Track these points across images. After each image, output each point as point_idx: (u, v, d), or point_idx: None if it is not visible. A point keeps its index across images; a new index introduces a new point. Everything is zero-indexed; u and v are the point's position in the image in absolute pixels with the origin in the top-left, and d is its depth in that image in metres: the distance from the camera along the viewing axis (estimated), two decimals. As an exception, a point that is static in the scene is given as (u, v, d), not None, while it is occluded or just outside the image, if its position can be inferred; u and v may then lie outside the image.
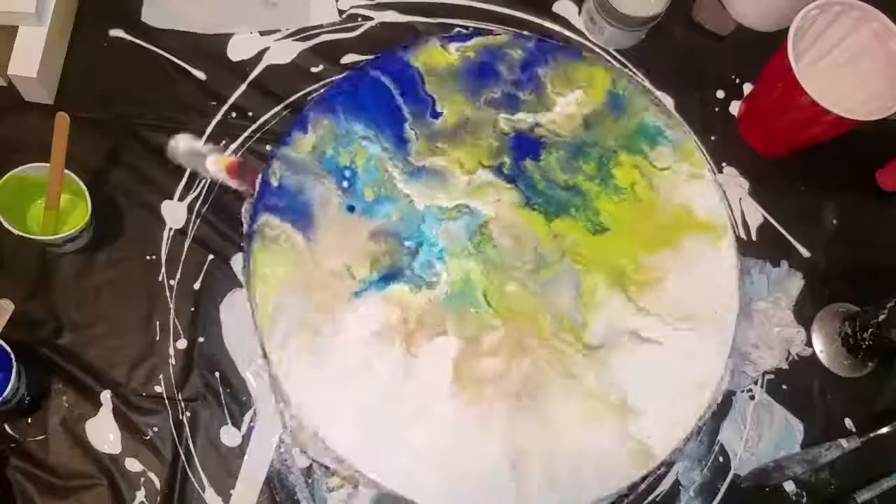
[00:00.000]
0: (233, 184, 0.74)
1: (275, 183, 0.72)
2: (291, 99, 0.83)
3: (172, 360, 0.75)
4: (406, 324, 0.70)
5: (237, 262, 0.77)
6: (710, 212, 0.76)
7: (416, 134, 0.75)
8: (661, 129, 0.78)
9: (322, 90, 0.81)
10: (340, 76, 0.81)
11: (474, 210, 0.74)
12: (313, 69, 0.84)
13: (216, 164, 0.72)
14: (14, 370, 0.66)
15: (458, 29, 0.85)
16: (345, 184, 0.73)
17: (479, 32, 0.81)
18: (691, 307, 0.73)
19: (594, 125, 0.77)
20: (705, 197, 0.76)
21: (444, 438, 0.68)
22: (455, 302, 0.71)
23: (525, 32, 0.82)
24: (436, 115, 0.76)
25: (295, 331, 0.69)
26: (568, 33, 0.89)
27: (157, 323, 0.76)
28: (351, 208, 0.72)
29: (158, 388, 0.74)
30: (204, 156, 0.72)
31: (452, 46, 0.78)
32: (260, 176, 0.74)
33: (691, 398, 0.71)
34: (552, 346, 0.71)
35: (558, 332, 0.71)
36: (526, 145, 0.76)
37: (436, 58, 0.78)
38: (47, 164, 0.70)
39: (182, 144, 0.71)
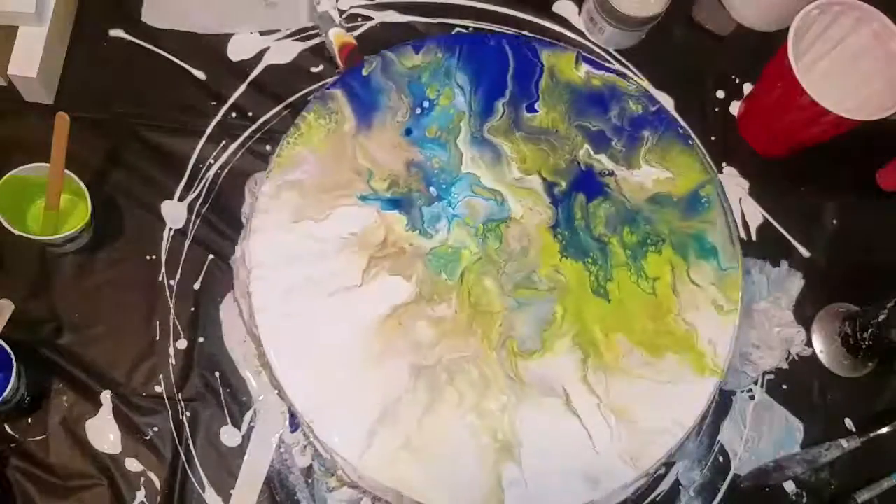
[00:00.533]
0: (337, 60, 0.80)
1: (364, 72, 0.75)
2: (291, 99, 0.83)
3: (172, 360, 0.75)
4: (382, 247, 0.71)
5: (237, 262, 0.77)
6: (714, 347, 0.71)
7: (504, 112, 0.76)
8: (718, 251, 0.74)
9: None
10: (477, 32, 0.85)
11: (506, 202, 0.74)
12: (313, 69, 0.84)
13: (335, 38, 0.80)
14: (14, 370, 0.66)
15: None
16: (417, 110, 0.75)
17: (610, 69, 0.79)
18: (631, 410, 0.69)
19: (660, 205, 0.75)
20: (717, 332, 0.72)
21: (337, 353, 0.68)
22: (435, 261, 0.71)
23: (654, 97, 0.80)
24: (531, 109, 0.76)
25: (291, 187, 0.71)
26: (568, 33, 0.89)
27: (157, 323, 0.76)
28: (408, 132, 0.74)
29: (158, 388, 0.74)
30: (332, 25, 0.81)
31: (584, 67, 0.78)
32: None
33: (575, 486, 0.67)
34: (488, 352, 0.69)
35: (502, 347, 0.70)
36: (588, 183, 0.75)
37: (564, 66, 0.78)
38: (47, 164, 0.70)
39: (324, 6, 0.80)
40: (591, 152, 0.76)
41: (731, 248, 0.75)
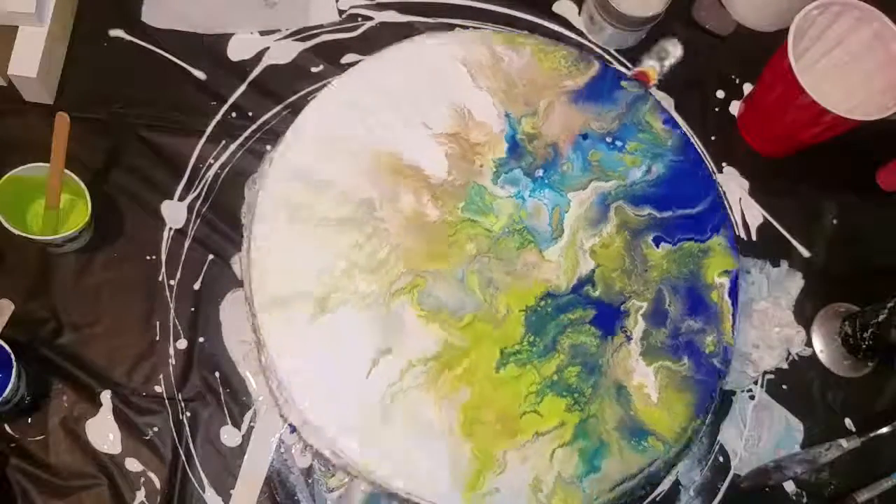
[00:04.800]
0: (632, 73, 0.87)
1: (635, 88, 0.81)
2: (291, 99, 0.83)
3: (172, 360, 0.75)
4: (474, 143, 0.75)
5: (237, 262, 0.77)
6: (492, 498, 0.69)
7: (644, 218, 0.76)
8: (597, 473, 0.69)
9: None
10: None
11: (555, 242, 0.74)
12: (313, 69, 0.84)
13: (647, 68, 0.87)
14: (14, 370, 0.66)
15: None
16: (609, 139, 0.79)
17: (734, 310, 0.76)
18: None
19: (618, 397, 0.71)
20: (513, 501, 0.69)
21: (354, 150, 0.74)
22: (473, 191, 0.75)
23: (729, 358, 0.75)
24: (657, 242, 0.76)
25: (495, 58, 0.79)
26: (568, 33, 0.89)
27: (157, 323, 0.76)
28: (585, 136, 0.78)
29: (158, 388, 0.74)
30: (661, 63, 0.87)
31: (724, 281, 0.76)
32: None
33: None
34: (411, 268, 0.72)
35: (410, 279, 0.72)
36: (606, 317, 0.73)
37: (714, 263, 0.76)
38: (47, 164, 0.70)
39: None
40: (640, 311, 0.74)
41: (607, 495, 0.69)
